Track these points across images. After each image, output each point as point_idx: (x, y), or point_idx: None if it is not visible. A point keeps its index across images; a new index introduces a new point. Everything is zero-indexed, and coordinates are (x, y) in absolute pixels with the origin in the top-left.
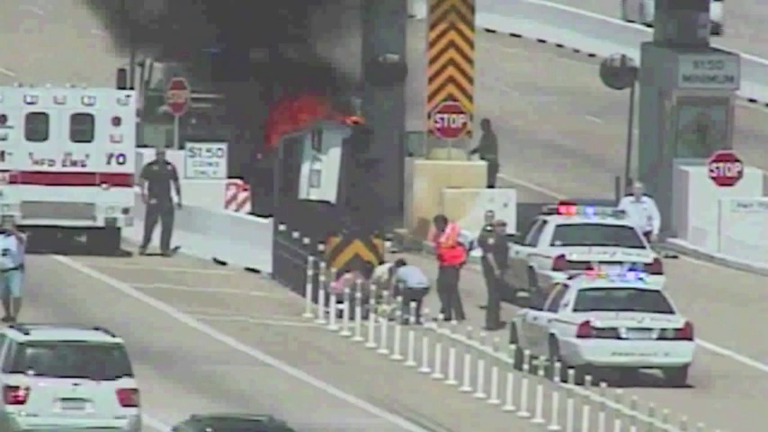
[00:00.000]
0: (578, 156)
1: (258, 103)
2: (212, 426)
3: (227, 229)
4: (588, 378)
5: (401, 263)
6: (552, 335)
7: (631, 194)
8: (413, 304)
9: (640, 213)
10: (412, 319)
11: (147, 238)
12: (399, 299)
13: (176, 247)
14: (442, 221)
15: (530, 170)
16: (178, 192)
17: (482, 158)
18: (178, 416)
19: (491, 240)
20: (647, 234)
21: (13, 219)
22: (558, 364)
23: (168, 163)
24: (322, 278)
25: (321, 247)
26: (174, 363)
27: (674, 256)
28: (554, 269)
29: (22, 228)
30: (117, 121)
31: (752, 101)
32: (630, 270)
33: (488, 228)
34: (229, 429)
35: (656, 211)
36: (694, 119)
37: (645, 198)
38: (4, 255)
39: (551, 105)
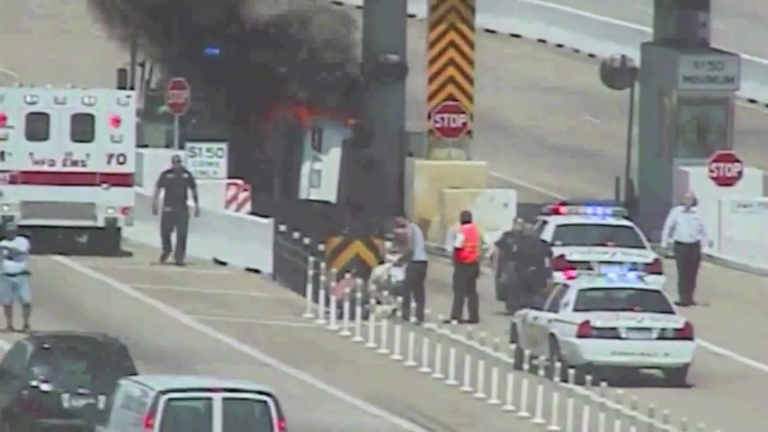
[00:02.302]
0: (578, 156)
1: (258, 103)
2: (50, 341)
3: (227, 230)
4: (588, 378)
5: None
6: (552, 335)
7: (682, 204)
8: (413, 304)
9: (691, 223)
10: (413, 319)
11: (167, 248)
12: (399, 299)
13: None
14: (466, 216)
15: (529, 170)
16: (196, 199)
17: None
18: None
19: (508, 242)
20: (697, 244)
21: (15, 222)
22: (558, 364)
23: (186, 171)
24: (322, 278)
25: (321, 247)
26: (175, 363)
27: (674, 256)
28: (554, 269)
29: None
30: (117, 122)
31: (752, 101)
32: (631, 270)
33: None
34: (66, 345)
35: (705, 221)
36: (694, 119)
37: (695, 208)
38: (10, 259)
39: (551, 105)
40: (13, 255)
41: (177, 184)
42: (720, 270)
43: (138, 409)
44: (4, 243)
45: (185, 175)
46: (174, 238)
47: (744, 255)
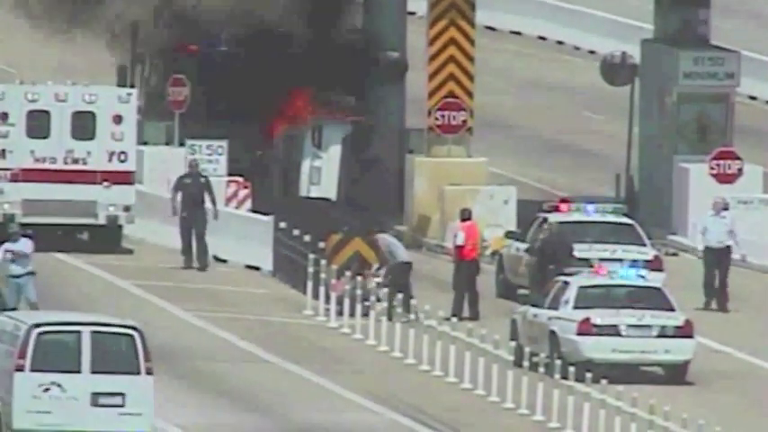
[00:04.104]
0: (578, 153)
1: (258, 99)
2: None
3: (227, 227)
4: (589, 375)
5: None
6: (553, 332)
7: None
8: (413, 301)
9: (720, 228)
10: (413, 316)
11: (188, 253)
12: (399, 295)
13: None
14: (466, 213)
15: (530, 167)
16: (213, 202)
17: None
18: (179, 413)
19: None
20: (727, 249)
21: (19, 225)
22: (558, 362)
23: (202, 175)
24: (322, 275)
25: (321, 244)
26: (175, 360)
27: (674, 254)
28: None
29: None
30: (118, 119)
31: (752, 98)
32: (632, 266)
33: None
34: None
35: (736, 225)
36: (694, 116)
37: (725, 212)
38: (13, 261)
39: (551, 102)
40: (17, 257)
41: (194, 189)
42: None
43: (11, 342)
44: (8, 246)
45: (202, 180)
46: (193, 243)
47: (745, 252)
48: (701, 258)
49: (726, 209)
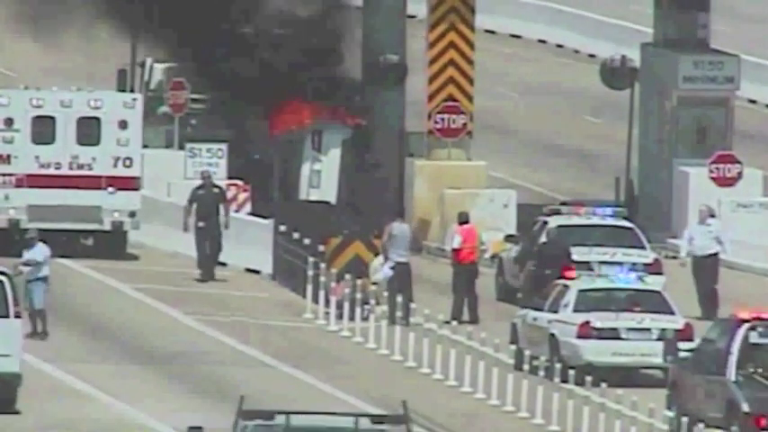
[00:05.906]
0: (578, 156)
1: (256, 102)
2: None
3: (227, 230)
4: (588, 378)
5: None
6: (552, 335)
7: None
8: (412, 305)
9: (704, 235)
10: (412, 319)
11: (203, 263)
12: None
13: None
14: (463, 216)
15: (530, 171)
16: (226, 212)
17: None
18: (180, 416)
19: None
20: (711, 257)
21: (36, 232)
22: (558, 365)
23: (216, 186)
24: (322, 279)
25: (321, 247)
26: (176, 364)
27: (674, 257)
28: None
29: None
30: (123, 125)
31: (752, 101)
32: (631, 270)
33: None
34: None
35: (724, 233)
36: (694, 119)
37: (711, 220)
38: (27, 265)
39: (551, 106)
40: (30, 263)
41: (208, 199)
42: (721, 271)
43: None
44: (24, 252)
45: (216, 191)
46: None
47: (744, 255)
48: (683, 265)
49: (712, 216)
